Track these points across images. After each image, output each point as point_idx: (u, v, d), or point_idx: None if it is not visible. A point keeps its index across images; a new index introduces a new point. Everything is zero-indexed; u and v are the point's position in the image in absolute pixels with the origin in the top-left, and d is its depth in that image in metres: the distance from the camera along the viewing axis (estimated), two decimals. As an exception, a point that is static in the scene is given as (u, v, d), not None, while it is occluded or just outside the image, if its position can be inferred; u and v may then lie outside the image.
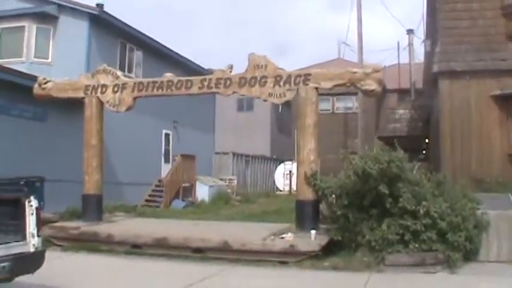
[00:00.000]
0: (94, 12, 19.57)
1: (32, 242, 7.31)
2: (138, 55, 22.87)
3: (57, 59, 19.49)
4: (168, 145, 25.82)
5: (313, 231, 11.55)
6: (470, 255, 10.82)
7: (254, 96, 13.48)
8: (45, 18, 19.70)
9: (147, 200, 22.94)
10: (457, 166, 15.05)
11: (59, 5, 19.74)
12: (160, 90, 13.81)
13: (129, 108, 14.31)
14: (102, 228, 13.04)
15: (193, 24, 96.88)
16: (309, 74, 12.67)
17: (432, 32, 20.06)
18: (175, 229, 13.31)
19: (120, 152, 20.25)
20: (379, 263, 10.57)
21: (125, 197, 20.96)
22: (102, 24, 20.35)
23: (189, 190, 24.66)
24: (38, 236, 7.43)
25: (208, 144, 29.81)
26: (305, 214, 12.43)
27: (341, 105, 36.67)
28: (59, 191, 17.03)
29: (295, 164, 33.45)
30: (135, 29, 22.06)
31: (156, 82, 13.88)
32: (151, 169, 23.86)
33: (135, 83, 14.23)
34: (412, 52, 35.73)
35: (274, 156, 37.93)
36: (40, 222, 7.62)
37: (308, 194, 12.41)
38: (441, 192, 11.41)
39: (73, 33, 19.65)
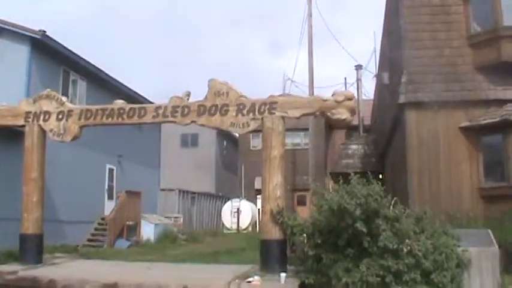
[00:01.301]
0: (36, 36, 18.23)
1: None
2: (81, 85, 21.50)
3: (-5, 85, 17.91)
4: (112, 181, 24.35)
5: (282, 274, 10.45)
6: (452, 296, 9.97)
7: (214, 127, 12.33)
8: (-21, 41, 18.18)
9: (89, 240, 21.39)
10: (426, 200, 14.32)
11: (-2, 28, 18.29)
12: (110, 119, 12.53)
13: (75, 138, 12.94)
14: (43, 273, 11.51)
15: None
16: (275, 102, 11.71)
17: (391, 64, 19.61)
18: (125, 273, 11.93)
19: (60, 187, 18.73)
20: (359, 309, 9.54)
21: (66, 236, 19.43)
22: (45, 49, 19.02)
23: (134, 229, 23.20)
24: None
25: (153, 180, 28.40)
26: (271, 255, 11.32)
27: (289, 141, 35.81)
28: (-8, 230, 15.47)
29: (243, 202, 32.88)
30: (79, 57, 20.76)
31: (106, 110, 12.61)
32: (93, 206, 22.36)
33: (82, 110, 12.89)
34: (361, 88, 35.60)
35: (220, 194, 36.83)
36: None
37: (274, 233, 11.33)
38: (421, 229, 10.53)
39: (12, 58, 18.20)
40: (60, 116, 12.89)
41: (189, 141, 39.62)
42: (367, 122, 34.32)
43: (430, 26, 15.65)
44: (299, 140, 35.45)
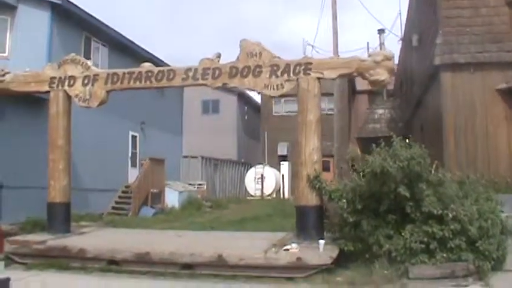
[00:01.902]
0: (56, 1, 17.63)
1: None
2: (103, 51, 21.01)
3: (15, 53, 17.49)
4: (135, 148, 23.98)
5: (321, 242, 10.08)
6: (497, 264, 9.59)
7: (247, 88, 11.92)
8: (1, 8, 17.67)
9: (113, 208, 21.09)
10: (462, 165, 13.84)
11: (18, -7, 17.77)
12: (138, 82, 12.12)
13: (101, 103, 12.58)
14: (72, 242, 11.28)
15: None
16: (310, 63, 11.21)
17: (421, 26, 18.91)
18: (157, 242, 11.61)
19: (83, 155, 18.38)
20: (402, 276, 9.23)
21: (90, 205, 19.19)
22: (66, 15, 18.46)
23: (158, 196, 22.89)
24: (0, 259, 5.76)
25: (175, 147, 28.03)
26: (308, 222, 10.94)
27: (312, 106, 35.33)
28: (17, 198, 15.26)
29: (266, 168, 32.51)
30: (101, 22, 20.21)
31: (133, 73, 12.20)
32: (117, 174, 22.03)
33: (108, 74, 12.48)
34: (384, 52, 34.70)
35: (242, 160, 36.46)
36: (1, 241, 5.94)
37: (311, 199, 10.94)
38: (464, 194, 10.08)
39: (33, 25, 17.71)
40: (85, 81, 12.50)
41: (210, 107, 39.14)
42: (390, 86, 33.58)
43: (466, -16, 14.95)
44: (323, 105, 34.62)
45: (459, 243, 9.25)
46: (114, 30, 21.22)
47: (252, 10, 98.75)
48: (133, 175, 23.06)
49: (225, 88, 35.35)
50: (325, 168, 34.11)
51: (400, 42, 28.94)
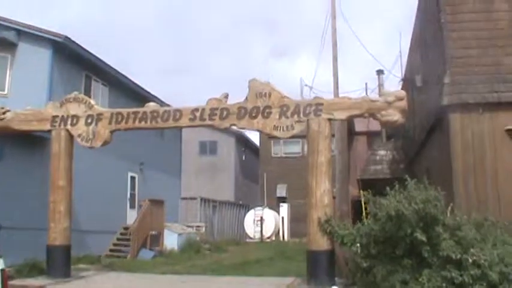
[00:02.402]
0: (58, 39, 17.46)
1: None
2: (104, 90, 20.78)
3: (15, 91, 17.23)
4: (134, 189, 23.56)
5: (334, 288, 9.69)
6: (518, 310, 9.17)
7: (256, 130, 11.59)
8: (2, 45, 17.49)
9: (111, 250, 20.57)
10: (473, 207, 13.43)
11: (19, 31, 17.57)
12: (143, 123, 11.86)
13: (105, 143, 12.32)
14: None
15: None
16: (321, 104, 11.00)
17: (426, 66, 18.80)
18: (159, 287, 11.18)
19: (81, 196, 17.90)
20: (421, 324, 8.77)
21: (88, 247, 18.66)
22: (66, 53, 18.25)
23: (157, 238, 22.40)
24: None
25: (174, 188, 27.63)
26: (320, 267, 10.61)
27: (311, 147, 35.11)
28: (13, 240, 14.74)
29: (266, 210, 32.12)
30: (102, 61, 20.02)
31: (138, 113, 11.96)
32: (115, 215, 21.56)
33: (112, 114, 12.24)
34: (382, 93, 34.70)
35: (240, 202, 36.01)
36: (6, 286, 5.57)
37: (322, 243, 10.62)
38: (482, 238, 9.73)
39: (33, 63, 17.49)
40: (89, 120, 12.25)
41: (208, 148, 38.87)
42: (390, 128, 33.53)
43: (473, 25, 14.80)
44: (321, 146, 34.56)
45: (479, 289, 8.88)
46: (115, 70, 21.05)
47: (246, 51, 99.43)
48: (131, 216, 22.61)
49: (222, 129, 35.20)
50: (325, 210, 34.04)
51: (401, 83, 28.90)
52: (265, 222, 30.54)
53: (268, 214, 31.13)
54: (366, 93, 37.97)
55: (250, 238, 30.98)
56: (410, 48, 23.70)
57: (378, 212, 9.61)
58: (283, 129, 11.13)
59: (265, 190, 34.38)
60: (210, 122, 11.54)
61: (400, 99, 10.71)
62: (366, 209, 22.28)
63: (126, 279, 13.51)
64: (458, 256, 8.95)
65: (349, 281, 10.36)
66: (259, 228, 30.42)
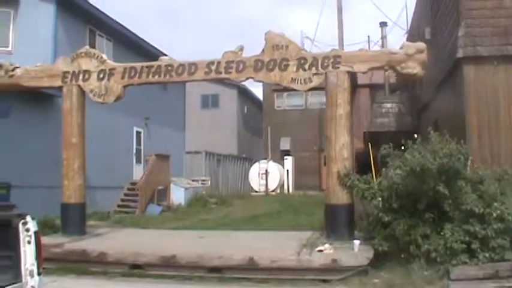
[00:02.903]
0: (61, -8, 17.04)
1: (31, 284, 5.16)
2: (108, 45, 20.41)
3: (18, 47, 16.79)
4: (140, 144, 23.41)
5: (356, 242, 9.71)
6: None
7: (273, 82, 11.40)
8: (4, 0, 17.00)
9: (119, 206, 20.56)
10: (486, 159, 13.38)
11: (20, -16, 17.11)
12: (157, 77, 11.63)
13: (118, 99, 12.12)
14: (91, 245, 10.82)
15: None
16: (339, 56, 10.79)
17: (436, 18, 18.45)
18: (180, 243, 11.16)
19: (89, 152, 17.68)
20: (443, 278, 8.80)
21: (96, 203, 18.57)
22: (70, 7, 17.82)
23: (164, 193, 22.39)
24: (39, 273, 5.27)
25: (178, 143, 27.48)
26: (340, 221, 10.57)
27: (315, 100, 34.83)
28: (25, 198, 14.64)
29: (270, 163, 32.11)
30: (106, 15, 19.59)
31: (152, 67, 11.72)
32: (122, 171, 21.48)
33: (125, 68, 11.98)
34: (386, 46, 34.23)
35: (244, 155, 35.95)
36: (40, 253, 5.43)
37: (342, 197, 10.55)
38: (502, 191, 9.67)
39: (37, 18, 17.03)
40: (101, 75, 12.01)
41: (210, 102, 38.51)
42: (393, 80, 33.18)
43: (490, -26, 14.48)
44: (323, 99, 34.31)
45: (502, 243, 8.87)
46: (120, 24, 20.63)
47: (245, 5, 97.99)
48: (138, 171, 22.57)
49: (224, 82, 34.85)
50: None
51: (406, 35, 28.52)
52: (270, 175, 30.56)
53: (272, 167, 31.12)
54: (368, 46, 37.57)
55: (255, 191, 31.05)
56: (417, 1, 23.27)
57: (401, 166, 9.51)
58: (300, 82, 10.94)
59: (269, 143, 34.31)
60: (226, 75, 11.33)
61: (421, 51, 10.50)
62: (374, 161, 22.29)
63: (140, 234, 13.52)
64: (481, 210, 8.92)
65: (368, 235, 10.31)
66: (264, 182, 30.46)
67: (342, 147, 10.62)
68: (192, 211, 21.24)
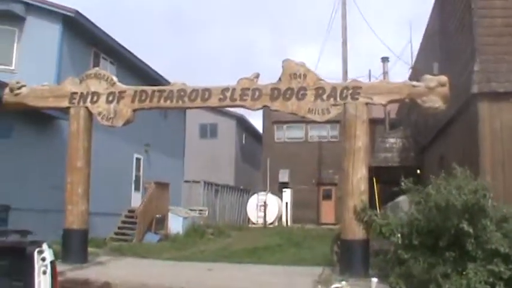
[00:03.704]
0: (69, 14, 16.75)
1: None
2: (111, 69, 20.06)
3: (22, 66, 16.50)
4: (139, 171, 22.98)
5: (374, 280, 9.26)
6: None
7: (290, 112, 11.01)
8: (9, 19, 16.73)
9: (116, 233, 20.04)
10: (500, 196, 13.06)
11: (27, 4, 16.78)
12: (168, 102, 11.28)
13: (127, 123, 11.73)
14: (94, 274, 10.32)
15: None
16: (359, 87, 10.51)
17: (446, 53, 18.32)
18: (189, 275, 10.69)
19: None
20: (465, 319, 8.37)
21: (93, 229, 17.99)
22: (77, 29, 17.56)
23: (162, 222, 21.91)
24: None
25: (177, 171, 27.08)
26: (354, 257, 10.17)
27: (315, 133, 34.70)
28: (25, 222, 14.18)
29: (269, 195, 31.72)
30: (112, 38, 19.33)
31: (164, 91, 11.39)
32: (120, 197, 21.01)
33: (136, 92, 11.63)
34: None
35: (241, 187, 35.51)
36: (56, 286, 4.99)
37: (358, 233, 10.17)
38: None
39: (42, 38, 16.78)
40: (110, 98, 11.65)
41: (208, 131, 38.26)
42: (393, 115, 33.07)
43: (504, 12, 14.35)
44: (325, 132, 34.21)
45: (527, 285, 8.50)
46: (124, 48, 20.38)
47: (246, 36, 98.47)
48: (136, 199, 22.09)
49: (224, 111, 34.53)
50: (326, 196, 33.81)
51: (410, 70, 28.45)
52: (268, 207, 30.16)
53: (271, 199, 30.75)
54: (369, 80, 37.52)
55: (253, 223, 30.62)
56: (424, 36, 23.20)
57: (421, 201, 9.18)
58: (318, 113, 10.63)
59: (267, 175, 33.92)
60: (241, 103, 10.99)
61: (442, 84, 10.28)
62: (379, 196, 21.94)
63: (145, 264, 13.02)
64: (507, 250, 8.57)
65: (382, 273, 9.91)
66: (262, 213, 30.04)
67: (359, 180, 10.28)
68: (190, 241, 20.72)
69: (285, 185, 33.37)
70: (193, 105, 11.35)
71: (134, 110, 11.60)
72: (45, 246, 4.95)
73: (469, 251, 8.88)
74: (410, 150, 24.64)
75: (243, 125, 40.14)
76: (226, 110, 33.13)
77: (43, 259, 4.85)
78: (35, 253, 4.84)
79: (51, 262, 4.94)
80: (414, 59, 27.85)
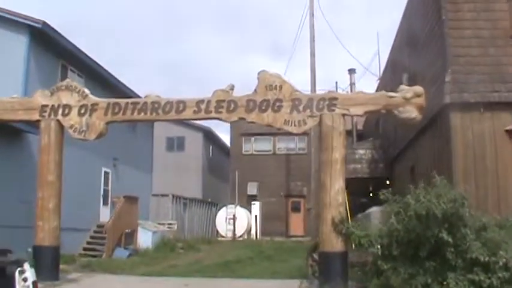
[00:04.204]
0: (36, 25, 16.41)
1: None
2: (79, 82, 19.68)
3: (-14, 79, 16.12)
4: (107, 185, 22.59)
5: (354, 292, 9.20)
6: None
7: (266, 124, 10.91)
8: (-27, 30, 16.36)
9: (85, 249, 19.64)
10: (472, 205, 13.18)
11: (-9, 14, 16.48)
12: (142, 114, 11.10)
13: (100, 136, 11.49)
14: (67, 291, 10.04)
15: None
16: (335, 98, 10.51)
17: (412, 65, 18.58)
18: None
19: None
20: (446, 330, 8.37)
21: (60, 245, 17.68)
22: (44, 40, 17.22)
23: (131, 237, 21.53)
24: None
25: (145, 185, 26.73)
26: (333, 269, 10.11)
27: (283, 145, 34.70)
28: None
29: (238, 208, 31.48)
30: (80, 51, 19.02)
31: (137, 103, 11.22)
32: (88, 212, 20.59)
33: (109, 104, 11.43)
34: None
35: (209, 200, 35.26)
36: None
37: (336, 245, 10.12)
38: (505, 239, 9.38)
39: (9, 49, 16.42)
40: (82, 111, 11.41)
41: (175, 144, 37.97)
42: (360, 127, 33.28)
43: (474, 23, 14.60)
44: (293, 144, 34.25)
45: (508, 293, 8.54)
46: (93, 60, 20.07)
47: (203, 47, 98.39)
48: (104, 214, 21.71)
49: (190, 124, 34.29)
50: (295, 209, 33.78)
51: (378, 81, 28.75)
52: (237, 220, 29.96)
53: (240, 212, 30.56)
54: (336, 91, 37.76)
55: (222, 236, 30.36)
56: (393, 47, 23.45)
57: (400, 211, 9.17)
58: (294, 124, 10.58)
59: (236, 187, 33.74)
60: (216, 115, 10.87)
61: (418, 95, 10.35)
62: (349, 208, 21.93)
63: (117, 281, 12.73)
64: (487, 258, 8.60)
65: (360, 285, 9.89)
66: (231, 227, 29.81)
67: (336, 192, 10.25)
68: (160, 256, 20.39)
69: (253, 197, 33.23)
70: (168, 117, 11.19)
71: (107, 123, 11.39)
72: (26, 265, 4.78)
73: (449, 260, 8.88)
74: (380, 161, 24.80)
75: (210, 137, 39.99)
76: (193, 123, 33.00)
77: (25, 279, 4.69)
78: (16, 273, 4.66)
79: (33, 282, 4.77)
80: (382, 70, 28.10)
